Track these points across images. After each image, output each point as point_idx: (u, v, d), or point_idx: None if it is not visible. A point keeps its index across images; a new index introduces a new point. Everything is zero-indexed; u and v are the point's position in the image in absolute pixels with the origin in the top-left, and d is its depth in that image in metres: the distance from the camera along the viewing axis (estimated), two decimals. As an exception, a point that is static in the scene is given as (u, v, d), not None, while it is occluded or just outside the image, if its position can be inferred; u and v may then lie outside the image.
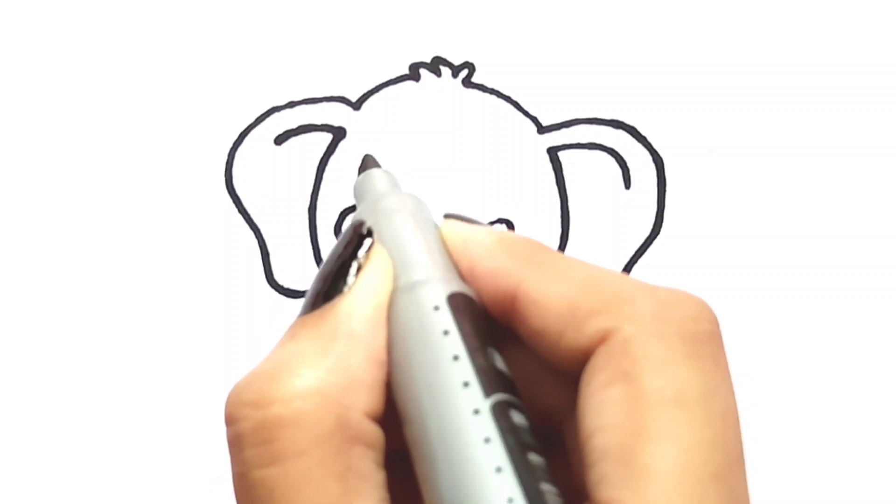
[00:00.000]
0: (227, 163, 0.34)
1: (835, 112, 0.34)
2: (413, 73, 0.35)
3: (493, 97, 0.34)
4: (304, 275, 0.34)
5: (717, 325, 0.20)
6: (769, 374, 0.33)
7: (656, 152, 0.34)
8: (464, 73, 0.35)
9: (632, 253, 0.34)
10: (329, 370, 0.20)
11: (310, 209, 0.34)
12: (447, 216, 0.24)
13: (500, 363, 0.21)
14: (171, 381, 0.33)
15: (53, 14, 0.35)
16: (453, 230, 0.23)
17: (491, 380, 0.20)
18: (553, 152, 0.34)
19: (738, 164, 0.34)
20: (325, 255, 0.34)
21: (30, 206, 0.34)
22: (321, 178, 0.34)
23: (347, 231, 0.23)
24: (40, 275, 0.34)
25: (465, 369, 0.20)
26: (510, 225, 0.34)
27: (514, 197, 0.34)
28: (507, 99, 0.34)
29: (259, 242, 0.34)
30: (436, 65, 0.35)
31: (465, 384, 0.20)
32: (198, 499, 0.32)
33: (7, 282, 0.34)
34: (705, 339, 0.20)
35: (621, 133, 0.34)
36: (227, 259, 0.34)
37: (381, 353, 0.21)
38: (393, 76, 0.35)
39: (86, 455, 0.33)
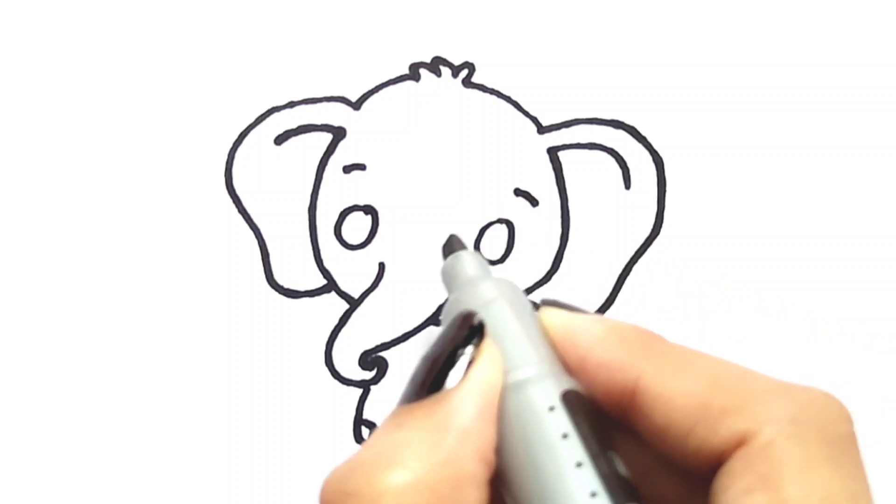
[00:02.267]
0: (227, 163, 0.34)
1: (835, 112, 0.34)
2: (413, 73, 0.35)
3: (493, 97, 0.34)
4: (304, 275, 0.34)
5: (853, 424, 0.20)
6: (769, 373, 0.33)
7: (656, 152, 0.34)
8: (464, 73, 0.35)
9: (632, 253, 0.34)
10: (439, 464, 0.19)
11: (310, 209, 0.34)
12: (544, 302, 0.24)
13: (621, 468, 0.20)
14: (171, 381, 0.33)
15: (53, 14, 0.35)
16: (556, 319, 0.23)
17: (618, 488, 0.19)
18: (553, 152, 0.34)
19: (738, 164, 0.34)
20: (325, 251, 0.34)
21: (30, 206, 0.34)
22: (321, 178, 0.34)
23: (457, 320, 0.23)
24: (40, 275, 0.34)
25: (590, 477, 0.19)
26: (510, 225, 0.34)
27: (514, 197, 0.34)
28: (507, 99, 0.34)
29: (259, 242, 0.34)
30: (436, 65, 0.35)
31: (593, 494, 0.19)
32: (198, 499, 0.32)
33: (7, 282, 0.34)
34: (845, 442, 0.19)
35: (621, 133, 0.34)
36: (227, 259, 0.34)
37: (490, 452, 0.21)
38: (393, 76, 0.35)
39: (86, 455, 0.33)
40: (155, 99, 0.34)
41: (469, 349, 0.22)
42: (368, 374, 0.33)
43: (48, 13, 0.35)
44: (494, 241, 0.34)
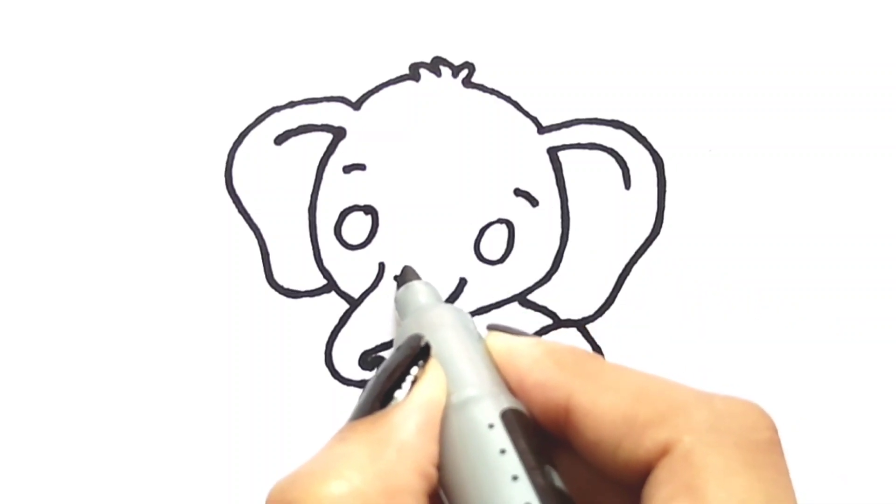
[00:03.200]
0: (227, 163, 0.34)
1: (835, 112, 0.34)
2: (413, 73, 0.35)
3: (493, 97, 0.34)
4: (304, 275, 0.34)
5: (775, 431, 0.20)
6: (769, 372, 0.33)
7: (656, 152, 0.34)
8: (464, 73, 0.35)
9: (632, 253, 0.34)
10: (376, 476, 0.20)
11: (310, 209, 0.34)
12: (490, 328, 0.25)
13: (557, 481, 0.21)
14: (171, 381, 0.33)
15: (53, 14, 0.35)
16: (498, 342, 0.24)
17: (552, 500, 0.20)
18: (553, 152, 0.34)
19: (738, 164, 0.34)
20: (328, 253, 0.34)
21: (30, 206, 0.34)
22: (321, 178, 0.34)
23: (406, 343, 0.24)
24: (40, 275, 0.34)
25: (525, 490, 0.20)
26: (510, 225, 0.34)
27: (514, 197, 0.34)
28: (507, 99, 0.34)
29: (259, 242, 0.34)
30: (436, 65, 0.35)
31: None
32: (198, 499, 0.33)
33: (6, 282, 0.34)
34: (765, 448, 0.20)
35: (621, 133, 0.34)
36: (227, 259, 0.34)
37: (429, 467, 0.21)
38: (393, 76, 0.35)
39: (86, 454, 0.33)
40: (155, 99, 0.34)
41: (414, 370, 0.23)
42: (368, 374, 0.33)
43: (48, 13, 0.35)
44: (494, 241, 0.34)
